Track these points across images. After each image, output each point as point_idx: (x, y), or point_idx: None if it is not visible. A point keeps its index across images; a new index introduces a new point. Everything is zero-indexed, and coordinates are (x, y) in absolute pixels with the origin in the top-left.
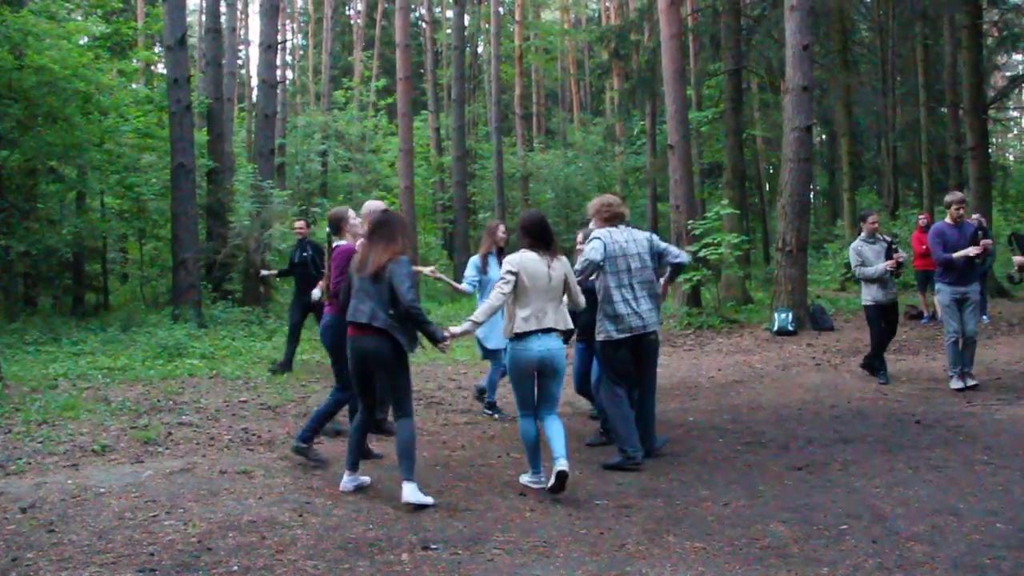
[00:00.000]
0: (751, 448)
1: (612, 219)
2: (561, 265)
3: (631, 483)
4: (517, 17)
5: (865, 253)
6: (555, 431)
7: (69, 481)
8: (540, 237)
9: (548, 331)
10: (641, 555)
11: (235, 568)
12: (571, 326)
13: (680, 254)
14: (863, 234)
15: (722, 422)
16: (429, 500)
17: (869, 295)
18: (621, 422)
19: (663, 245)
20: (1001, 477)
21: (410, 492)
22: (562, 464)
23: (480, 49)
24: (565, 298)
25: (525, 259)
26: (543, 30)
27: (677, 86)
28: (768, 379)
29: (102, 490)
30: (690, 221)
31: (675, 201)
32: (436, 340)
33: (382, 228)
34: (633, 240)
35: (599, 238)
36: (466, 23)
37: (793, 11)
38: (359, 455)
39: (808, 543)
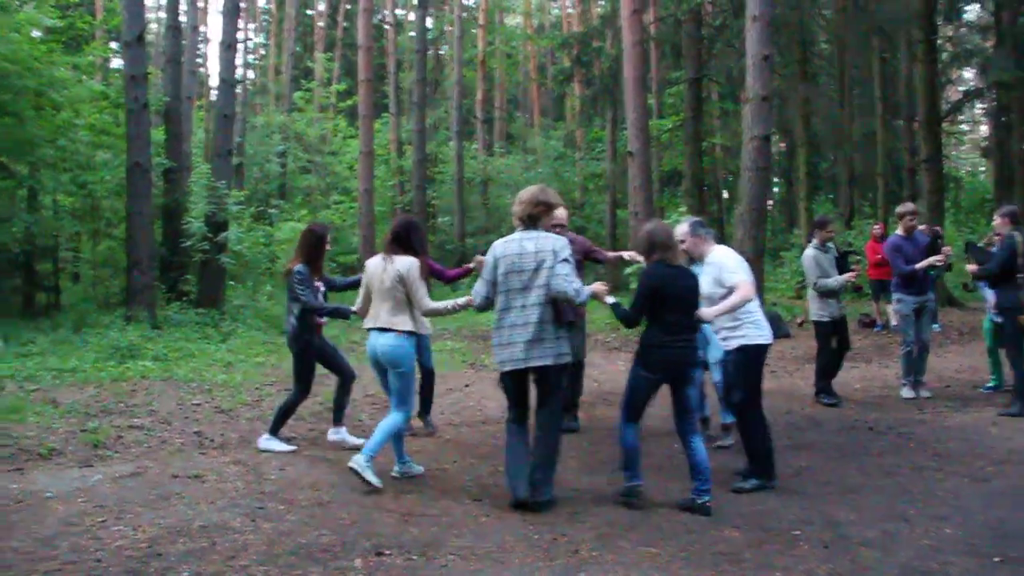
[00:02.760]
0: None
1: (526, 219)
2: (396, 267)
3: (586, 489)
4: (481, 21)
5: (822, 263)
6: (381, 426)
7: (13, 485)
8: (396, 240)
9: (382, 330)
10: (595, 560)
11: (185, 574)
12: (408, 328)
13: (570, 280)
14: (815, 241)
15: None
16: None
17: (825, 310)
18: (506, 454)
19: (563, 257)
20: (950, 483)
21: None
22: (354, 460)
23: (443, 52)
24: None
25: (370, 262)
26: (506, 35)
27: (638, 93)
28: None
29: (48, 495)
30: None
31: (634, 208)
32: None
33: None
34: (534, 251)
35: (492, 248)
36: (429, 26)
37: (754, 22)
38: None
39: (761, 549)
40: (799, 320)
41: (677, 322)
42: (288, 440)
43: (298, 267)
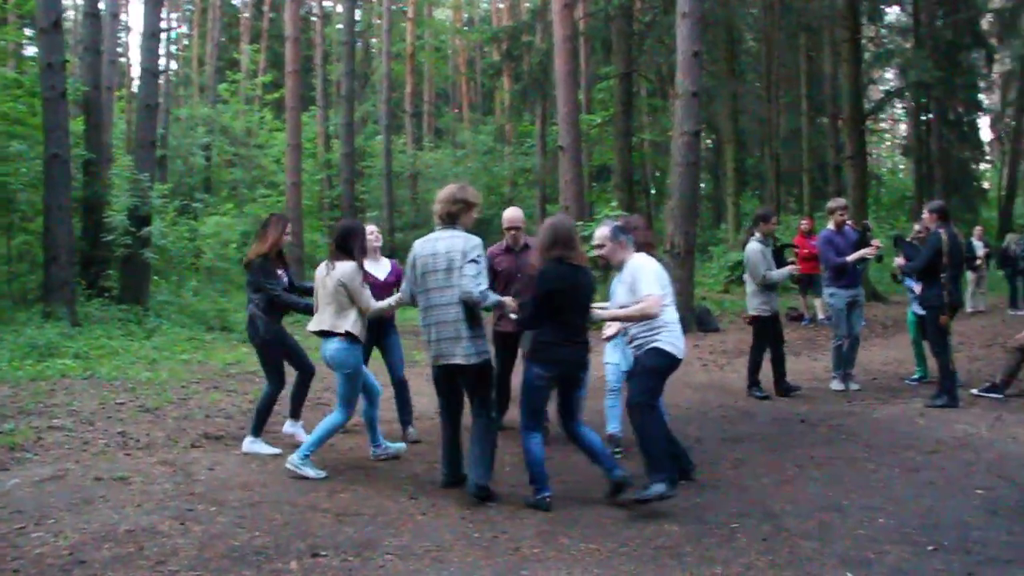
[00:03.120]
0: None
1: (445, 217)
2: (336, 274)
3: (524, 486)
4: (410, 14)
5: (767, 256)
6: (320, 424)
7: None
8: (337, 244)
9: (323, 334)
10: (536, 558)
11: None
12: (344, 328)
13: (477, 282)
14: (758, 235)
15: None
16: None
17: (766, 304)
18: (442, 446)
19: (471, 257)
20: (882, 474)
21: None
22: (289, 461)
23: (371, 45)
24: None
25: (318, 268)
26: (435, 28)
27: (569, 88)
28: None
29: None
30: (579, 222)
31: (565, 202)
32: None
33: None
34: (445, 251)
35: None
36: (358, 18)
37: (684, 18)
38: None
39: (701, 542)
40: (745, 317)
41: (572, 322)
42: (218, 438)
43: (259, 258)
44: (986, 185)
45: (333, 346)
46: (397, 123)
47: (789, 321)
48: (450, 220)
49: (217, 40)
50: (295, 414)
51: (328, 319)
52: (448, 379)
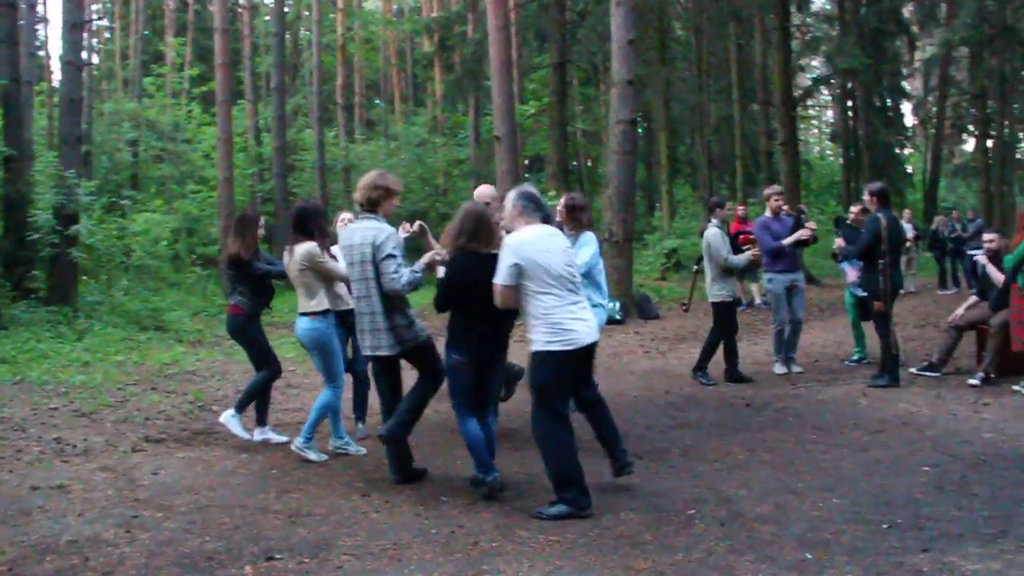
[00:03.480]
0: (591, 437)
1: (366, 203)
2: (296, 256)
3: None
4: (340, 5)
5: (726, 242)
6: (314, 404)
7: None
8: (296, 230)
9: (300, 315)
10: (496, 552)
11: None
12: (320, 308)
13: (395, 278)
14: (715, 221)
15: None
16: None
17: (726, 289)
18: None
19: (382, 255)
20: (831, 455)
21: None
22: (295, 444)
23: (300, 37)
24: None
25: (284, 254)
26: (365, 19)
27: (504, 77)
28: (600, 368)
29: None
30: None
31: (502, 193)
32: None
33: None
34: (359, 243)
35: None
36: (286, 9)
37: (618, 6)
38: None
39: (660, 530)
40: (683, 305)
41: (483, 309)
42: (159, 441)
43: (244, 259)
44: (910, 169)
45: (302, 326)
46: (328, 116)
47: None
48: (371, 207)
49: (141, 32)
50: (261, 421)
51: (300, 301)
52: (380, 370)
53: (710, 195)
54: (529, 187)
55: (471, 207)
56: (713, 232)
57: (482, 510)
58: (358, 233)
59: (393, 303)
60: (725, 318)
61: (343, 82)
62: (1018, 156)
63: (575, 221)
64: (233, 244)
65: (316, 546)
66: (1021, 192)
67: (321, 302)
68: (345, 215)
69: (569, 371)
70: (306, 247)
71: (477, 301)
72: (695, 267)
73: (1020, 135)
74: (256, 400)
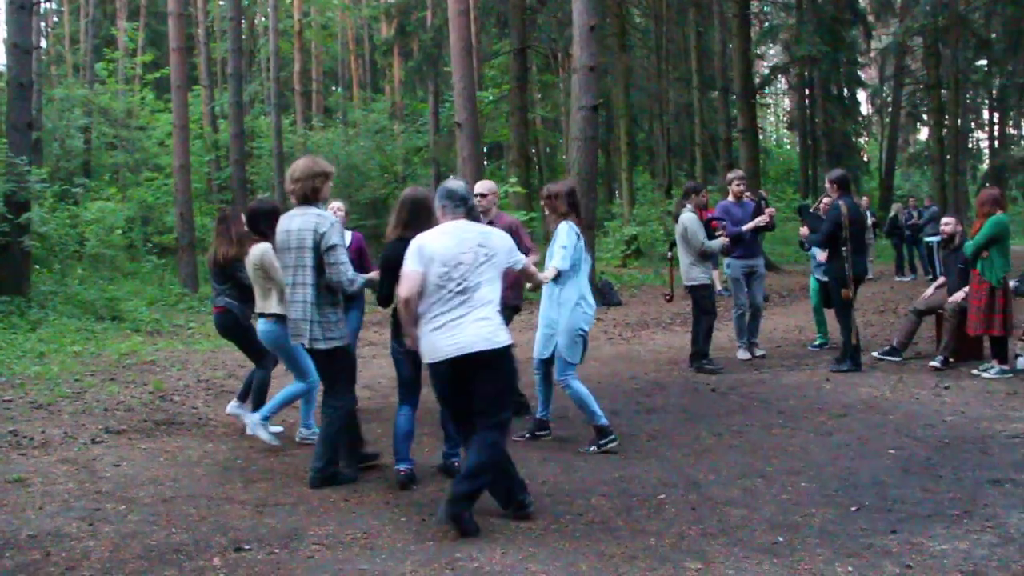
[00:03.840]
0: (559, 423)
1: (309, 194)
2: (251, 258)
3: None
4: None
5: (702, 226)
6: (282, 391)
7: None
8: (248, 227)
9: (258, 314)
10: (468, 540)
11: None
12: (269, 310)
13: (342, 270)
14: (690, 206)
15: (527, 399)
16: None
17: (705, 273)
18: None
19: (327, 244)
20: (798, 439)
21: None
22: (249, 420)
23: (256, 22)
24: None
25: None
26: (322, 4)
27: (465, 63)
28: None
29: None
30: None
31: (463, 179)
32: None
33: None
34: (298, 229)
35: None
36: None
37: None
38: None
39: (631, 515)
40: (667, 295)
41: None
42: (120, 432)
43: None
44: (866, 157)
45: (261, 327)
46: (285, 103)
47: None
48: (314, 196)
49: (92, 16)
50: (243, 397)
51: (257, 302)
52: (314, 362)
53: (668, 180)
54: (451, 182)
55: (407, 195)
56: (690, 216)
57: None
58: (298, 219)
59: (327, 296)
60: (704, 301)
61: (300, 68)
62: (970, 145)
63: (551, 211)
64: (223, 246)
65: (285, 536)
66: (974, 180)
67: (272, 305)
68: (335, 204)
69: (440, 384)
70: (260, 248)
71: None
72: (668, 254)
73: (972, 124)
74: (256, 390)
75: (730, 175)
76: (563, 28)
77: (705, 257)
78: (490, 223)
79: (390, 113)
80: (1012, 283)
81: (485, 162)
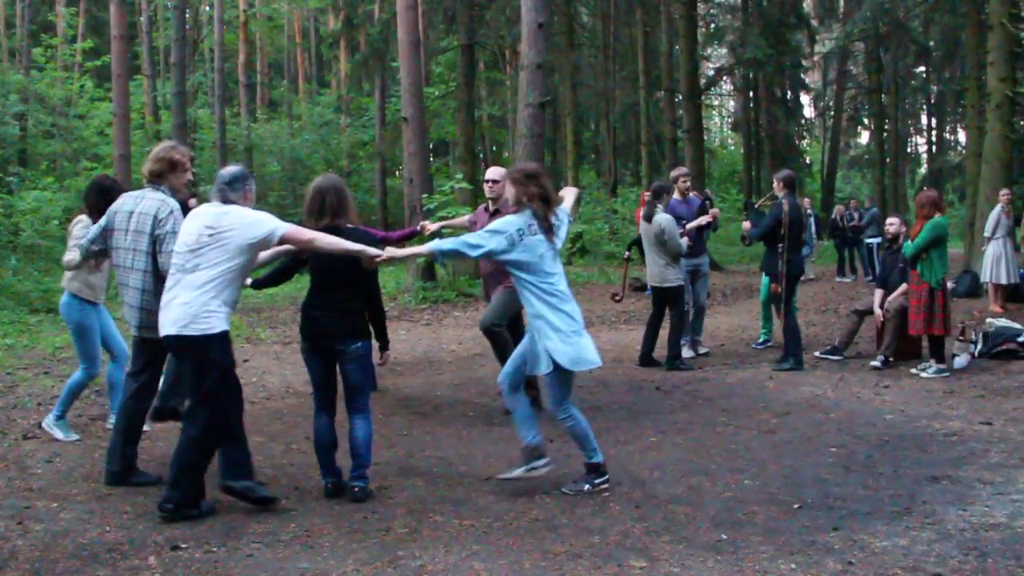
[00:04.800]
0: (505, 421)
1: (148, 175)
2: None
3: (388, 463)
4: None
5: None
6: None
7: None
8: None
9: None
10: (411, 538)
11: None
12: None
13: (166, 263)
14: (661, 207)
15: (470, 396)
16: None
17: (679, 274)
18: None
19: (163, 231)
20: (741, 437)
21: None
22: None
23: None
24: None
25: None
26: None
27: (412, 58)
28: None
29: None
30: (424, 195)
31: (409, 175)
32: None
33: None
34: (137, 212)
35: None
36: None
37: None
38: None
39: (575, 513)
40: (617, 296)
41: (321, 291)
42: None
43: None
44: (809, 159)
45: (61, 300)
46: (229, 94)
47: (633, 291)
48: (155, 179)
49: (29, 0)
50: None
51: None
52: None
53: (614, 179)
54: (229, 169)
55: (315, 184)
56: (667, 218)
57: (394, 495)
58: (140, 202)
59: (158, 284)
60: (678, 302)
61: (245, 60)
62: (909, 150)
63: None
64: None
65: (224, 534)
66: (912, 184)
67: (70, 280)
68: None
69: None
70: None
71: (314, 280)
72: (627, 254)
73: (911, 129)
74: None
75: (675, 172)
76: (511, 25)
77: (678, 258)
78: (496, 211)
79: (336, 107)
80: (950, 284)
81: (432, 158)
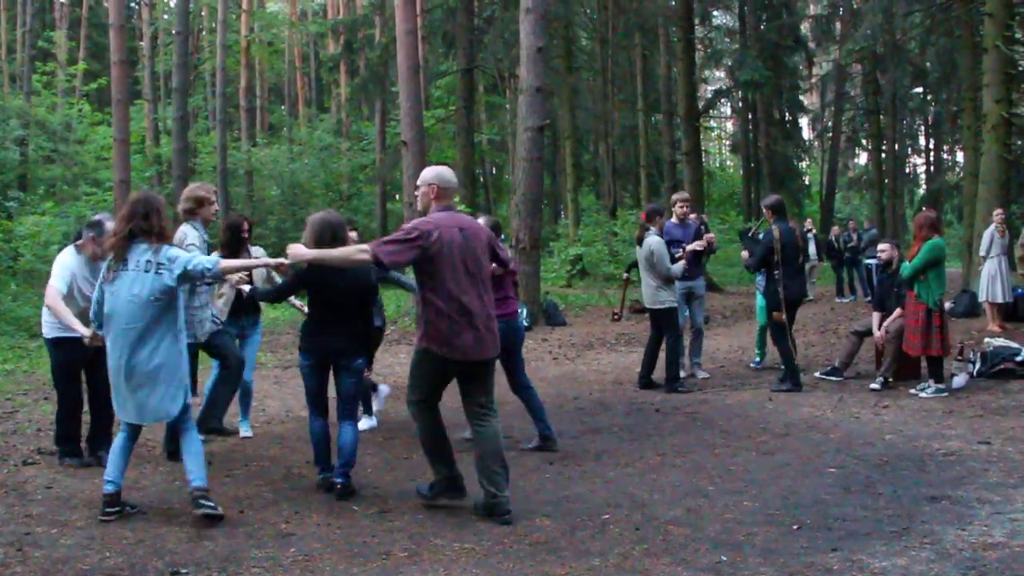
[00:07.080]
0: (505, 445)
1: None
2: None
3: (388, 487)
4: (244, 6)
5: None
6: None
7: None
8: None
9: None
10: (411, 561)
11: None
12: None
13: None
14: (654, 230)
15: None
16: None
17: (672, 296)
18: None
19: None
20: (740, 458)
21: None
22: None
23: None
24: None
25: None
26: (270, 20)
27: (412, 82)
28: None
29: None
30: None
31: (409, 199)
32: None
33: None
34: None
35: None
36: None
37: (528, 14)
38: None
39: (575, 535)
40: (617, 315)
41: (328, 313)
42: (53, 453)
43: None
44: (808, 180)
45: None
46: (229, 119)
47: (632, 313)
48: (188, 215)
49: (29, 26)
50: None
51: None
52: None
53: (613, 201)
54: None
55: (324, 218)
56: (657, 240)
57: (394, 518)
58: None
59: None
60: (671, 325)
61: (246, 84)
62: (907, 170)
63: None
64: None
65: (224, 559)
66: (911, 204)
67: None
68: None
69: None
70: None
71: (320, 304)
72: (625, 275)
73: (909, 150)
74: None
75: (674, 196)
76: (510, 49)
77: (670, 280)
78: None
79: (335, 131)
80: (947, 305)
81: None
